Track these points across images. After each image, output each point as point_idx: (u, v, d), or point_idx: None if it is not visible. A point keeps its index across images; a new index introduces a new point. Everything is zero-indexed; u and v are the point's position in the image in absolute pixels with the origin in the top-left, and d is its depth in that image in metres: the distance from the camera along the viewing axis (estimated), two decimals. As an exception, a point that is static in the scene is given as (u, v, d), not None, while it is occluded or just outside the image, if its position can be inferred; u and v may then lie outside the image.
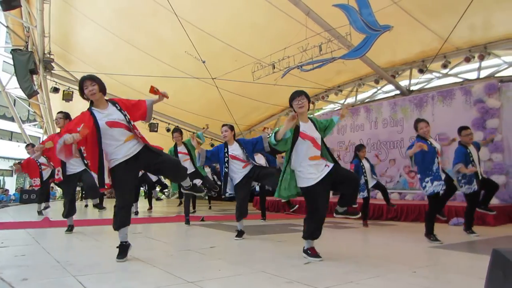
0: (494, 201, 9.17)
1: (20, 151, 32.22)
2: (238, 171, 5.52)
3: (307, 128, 4.01)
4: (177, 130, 7.61)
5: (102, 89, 3.82)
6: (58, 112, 5.92)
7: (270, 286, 2.89)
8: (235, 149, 5.60)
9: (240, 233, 5.53)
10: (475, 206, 6.12)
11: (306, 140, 3.95)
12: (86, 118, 3.68)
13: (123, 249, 3.72)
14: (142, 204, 12.41)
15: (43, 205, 9.60)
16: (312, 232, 3.99)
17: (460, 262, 4.14)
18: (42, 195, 9.68)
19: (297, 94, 4.02)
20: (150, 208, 11.55)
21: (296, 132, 3.93)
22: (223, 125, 5.78)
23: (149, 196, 11.97)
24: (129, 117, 3.82)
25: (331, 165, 3.95)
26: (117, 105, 3.83)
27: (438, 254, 4.60)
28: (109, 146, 3.71)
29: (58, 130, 5.94)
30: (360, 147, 7.70)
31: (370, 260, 4.06)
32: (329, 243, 4.95)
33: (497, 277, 1.78)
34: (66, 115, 5.79)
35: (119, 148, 3.73)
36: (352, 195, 4.07)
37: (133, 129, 3.79)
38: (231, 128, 5.78)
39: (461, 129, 6.17)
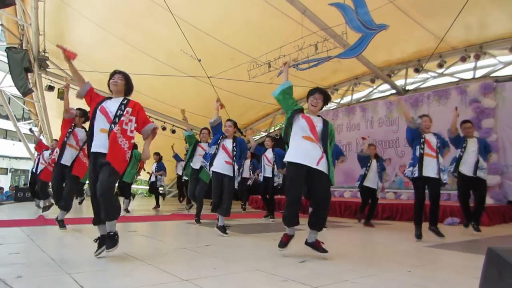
0: (488, 201, 9.24)
1: (15, 150, 32.13)
2: (220, 162, 5.79)
3: (312, 117, 4.16)
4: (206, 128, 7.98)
5: (128, 87, 3.98)
6: (77, 109, 6.02)
7: (266, 284, 2.89)
8: (228, 143, 5.89)
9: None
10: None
11: (304, 120, 4.09)
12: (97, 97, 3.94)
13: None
14: (139, 202, 12.37)
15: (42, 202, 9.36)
16: (283, 216, 4.09)
17: (455, 261, 4.16)
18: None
19: (314, 92, 4.25)
20: (157, 206, 11.74)
21: (298, 112, 4.15)
22: (228, 120, 6.08)
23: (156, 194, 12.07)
24: (127, 116, 3.78)
25: (315, 164, 3.91)
26: (125, 100, 3.87)
27: (433, 253, 4.61)
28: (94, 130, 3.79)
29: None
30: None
31: (365, 259, 4.07)
32: (324, 242, 4.95)
33: (492, 276, 1.79)
34: (84, 113, 5.95)
35: (95, 137, 3.77)
36: (319, 215, 3.99)
37: (116, 127, 3.71)
38: (235, 124, 6.06)
39: (461, 122, 6.58)
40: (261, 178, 8.70)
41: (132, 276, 3.05)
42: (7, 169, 34.30)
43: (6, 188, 21.22)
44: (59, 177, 5.86)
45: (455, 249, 4.84)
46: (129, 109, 3.81)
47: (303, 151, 3.96)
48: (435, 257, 4.38)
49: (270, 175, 8.44)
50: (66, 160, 5.75)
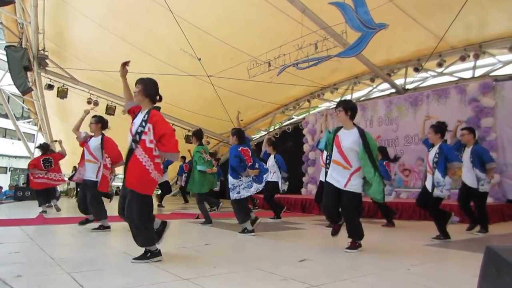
0: (488, 200, 9.24)
1: (14, 148, 32.10)
2: None
3: (343, 134, 4.43)
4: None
5: (146, 92, 3.71)
6: (93, 116, 5.93)
7: (265, 283, 2.89)
8: None
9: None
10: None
11: (335, 145, 4.43)
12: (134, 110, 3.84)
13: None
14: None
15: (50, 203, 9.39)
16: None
17: (454, 260, 4.17)
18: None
19: (335, 107, 4.56)
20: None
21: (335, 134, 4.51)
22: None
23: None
24: (146, 131, 3.54)
25: (342, 185, 4.32)
26: (146, 116, 3.61)
27: (432, 251, 4.62)
28: None
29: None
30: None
31: (365, 257, 4.07)
32: (324, 241, 4.95)
33: (490, 274, 1.79)
34: (99, 119, 5.86)
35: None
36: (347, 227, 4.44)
37: (139, 146, 3.53)
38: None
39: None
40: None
41: (132, 275, 3.05)
42: (6, 168, 34.28)
43: (5, 187, 21.17)
44: (83, 193, 5.86)
45: (454, 248, 4.85)
46: (149, 126, 3.55)
47: (332, 173, 4.43)
48: (434, 256, 4.39)
49: (270, 179, 8.43)
50: (88, 175, 5.73)
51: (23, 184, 24.97)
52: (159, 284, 2.78)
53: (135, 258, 3.51)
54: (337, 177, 4.32)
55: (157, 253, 3.58)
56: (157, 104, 3.82)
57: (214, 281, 2.92)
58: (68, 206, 11.28)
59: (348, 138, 4.33)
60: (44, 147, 9.52)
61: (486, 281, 1.82)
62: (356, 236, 4.38)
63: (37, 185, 9.04)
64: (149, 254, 3.54)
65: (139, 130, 3.55)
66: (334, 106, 13.08)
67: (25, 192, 15.08)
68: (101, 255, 3.73)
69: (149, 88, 3.75)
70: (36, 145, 10.40)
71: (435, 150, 5.52)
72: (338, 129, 4.53)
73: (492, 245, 1.84)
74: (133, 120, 3.71)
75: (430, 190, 5.44)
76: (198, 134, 7.08)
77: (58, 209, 9.13)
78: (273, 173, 8.44)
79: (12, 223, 6.76)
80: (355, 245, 4.36)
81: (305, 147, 14.77)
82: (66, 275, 2.95)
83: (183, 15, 9.67)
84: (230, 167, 5.68)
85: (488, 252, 1.83)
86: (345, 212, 4.41)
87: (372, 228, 7.24)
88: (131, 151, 3.53)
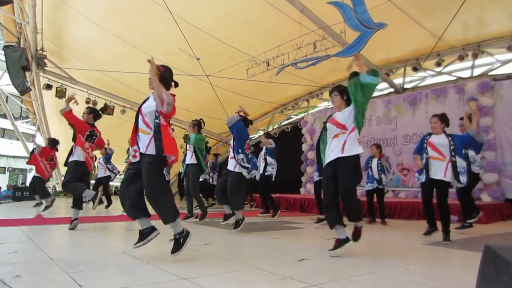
0: (486, 199, 9.29)
1: (13, 148, 32.05)
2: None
3: (339, 115, 4.23)
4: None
5: (162, 80, 4.01)
6: (86, 107, 6.34)
7: (264, 282, 2.89)
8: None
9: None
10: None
11: (331, 124, 4.18)
12: None
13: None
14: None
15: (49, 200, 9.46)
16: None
17: (452, 259, 4.17)
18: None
19: (330, 92, 4.45)
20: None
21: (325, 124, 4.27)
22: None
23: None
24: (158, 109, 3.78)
25: (340, 151, 3.98)
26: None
27: (431, 251, 4.62)
28: None
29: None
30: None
31: (363, 257, 4.07)
32: (322, 240, 4.95)
33: (489, 272, 1.80)
34: (91, 110, 6.25)
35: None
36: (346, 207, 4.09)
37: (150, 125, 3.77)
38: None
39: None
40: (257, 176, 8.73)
41: (131, 275, 3.05)
42: (4, 168, 34.24)
43: (4, 187, 21.15)
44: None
45: (453, 247, 4.85)
46: None
47: (329, 152, 4.12)
48: (433, 255, 4.40)
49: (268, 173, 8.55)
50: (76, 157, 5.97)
51: (21, 184, 24.94)
52: (158, 283, 2.77)
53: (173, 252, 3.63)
54: (334, 151, 4.04)
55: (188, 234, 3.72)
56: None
57: (213, 280, 2.92)
58: (66, 206, 11.27)
59: (344, 114, 4.16)
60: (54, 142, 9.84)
61: (485, 280, 1.83)
62: (359, 217, 4.18)
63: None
64: (182, 239, 3.66)
65: (153, 110, 3.84)
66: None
67: (24, 192, 15.07)
68: (100, 255, 3.73)
69: (165, 76, 4.11)
70: (47, 141, 10.57)
71: (442, 137, 5.31)
72: (329, 116, 4.34)
73: (491, 244, 1.84)
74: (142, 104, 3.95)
75: (445, 179, 5.14)
76: (199, 124, 7.78)
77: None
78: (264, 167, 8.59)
79: (11, 223, 6.75)
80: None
81: (304, 147, 14.77)
82: (65, 275, 2.94)
83: (181, 14, 9.66)
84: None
85: (487, 251, 1.83)
86: (344, 183, 3.94)
87: (371, 227, 7.25)
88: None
